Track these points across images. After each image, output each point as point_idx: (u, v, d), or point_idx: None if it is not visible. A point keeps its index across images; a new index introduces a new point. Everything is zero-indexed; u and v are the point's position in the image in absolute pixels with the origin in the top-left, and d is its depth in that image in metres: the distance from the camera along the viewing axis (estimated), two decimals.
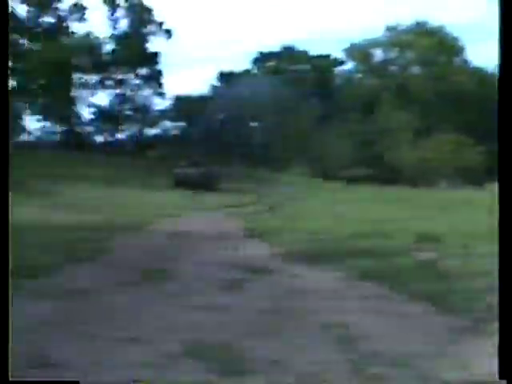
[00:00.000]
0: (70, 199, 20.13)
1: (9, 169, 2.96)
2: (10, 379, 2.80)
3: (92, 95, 68.98)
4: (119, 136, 70.01)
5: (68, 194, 22.07)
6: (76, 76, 68.05)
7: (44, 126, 69.56)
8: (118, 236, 12.30)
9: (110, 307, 6.52)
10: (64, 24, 68.84)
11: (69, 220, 14.62)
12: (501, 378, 3.00)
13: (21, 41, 67.58)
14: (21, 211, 15.83)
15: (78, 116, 69.41)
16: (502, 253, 3.07)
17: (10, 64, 66.57)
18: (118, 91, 68.88)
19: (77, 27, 74.69)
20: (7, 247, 2.95)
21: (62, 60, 61.12)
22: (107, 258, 9.68)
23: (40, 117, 69.01)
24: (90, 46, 66.02)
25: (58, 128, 69.93)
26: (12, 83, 68.57)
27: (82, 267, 8.82)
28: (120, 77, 68.68)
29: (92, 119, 69.39)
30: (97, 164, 42.47)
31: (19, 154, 33.04)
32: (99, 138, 70.62)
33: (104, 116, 68.67)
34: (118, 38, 67.92)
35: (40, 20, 68.44)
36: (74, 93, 68.44)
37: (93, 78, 68.35)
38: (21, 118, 69.92)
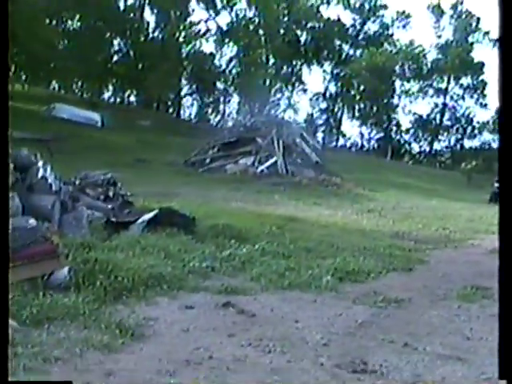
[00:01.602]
0: (383, 206, 20.42)
1: (9, 168, 2.76)
2: (9, 379, 2.93)
3: (412, 103, 69.54)
4: (436, 146, 69.20)
5: (381, 201, 22.42)
6: (397, 83, 69.06)
7: (361, 132, 72.15)
8: (433, 247, 12.12)
9: (427, 321, 6.48)
10: (388, 31, 70.25)
11: (383, 227, 14.82)
12: (501, 378, 3.00)
13: (344, 47, 70.97)
14: (338, 214, 16.59)
15: (397, 124, 70.49)
16: (502, 253, 3.10)
17: (333, 69, 70.75)
18: (438, 100, 68.39)
19: (400, 35, 75.88)
20: (7, 247, 2.99)
21: (385, 67, 62.41)
22: (423, 270, 9.59)
23: (358, 122, 71.78)
24: (412, 54, 66.27)
25: (375, 134, 71.85)
26: (333, 88, 72.72)
27: (398, 276, 8.89)
28: (441, 86, 67.95)
29: (410, 128, 69.89)
30: (412, 173, 42.51)
31: (334, 159, 34.85)
32: (415, 147, 70.65)
33: (422, 125, 68.60)
34: (442, 47, 67.02)
35: (365, 27, 70.86)
36: (394, 100, 69.48)
37: (414, 86, 68.79)
38: (340, 123, 73.33)
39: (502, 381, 3.11)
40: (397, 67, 66.32)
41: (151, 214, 9.70)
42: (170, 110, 71.65)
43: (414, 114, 69.44)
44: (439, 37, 68.19)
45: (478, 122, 67.33)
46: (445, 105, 68.35)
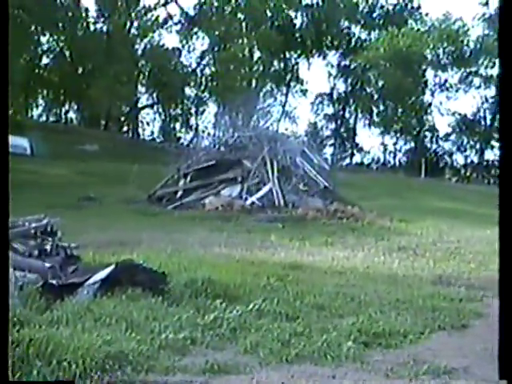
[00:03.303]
0: (419, 241, 20.45)
1: (9, 170, 3.93)
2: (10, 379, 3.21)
3: (450, 99, 69.25)
4: (488, 155, 68.94)
5: (416, 234, 22.46)
6: (429, 74, 69.10)
7: (383, 144, 72.18)
8: (493, 295, 12.13)
9: None
10: (412, 4, 70.53)
11: (421, 270, 14.85)
12: (501, 378, 3.86)
13: (354, 29, 71.31)
14: (358, 256, 16.61)
15: (431, 128, 70.19)
16: (502, 253, 3.96)
17: (341, 60, 70.75)
18: (487, 92, 68.11)
19: (430, 6, 74.80)
20: (7, 247, 3.73)
21: (411, 53, 62.50)
22: (481, 327, 9.62)
23: (378, 130, 71.78)
24: (449, 31, 66.24)
25: (403, 145, 71.86)
26: (341, 86, 73.02)
27: (446, 337, 8.94)
28: (491, 72, 67.51)
29: (450, 133, 69.56)
30: (457, 193, 42.64)
31: (348, 182, 34.85)
32: (459, 159, 70.64)
33: (467, 128, 68.47)
34: (490, 17, 66.49)
35: (380, 0, 71.14)
36: (425, 97, 69.40)
37: (453, 76, 68.68)
38: (354, 133, 73.39)
39: (502, 381, 3.86)
40: (427, 52, 66.34)
41: (106, 272, 9.70)
42: (125, 129, 71.78)
43: (455, 113, 69.65)
44: (485, 3, 67.43)
45: None
46: (495, 97, 68.17)
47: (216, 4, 63.69)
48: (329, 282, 12.04)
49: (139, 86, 67.27)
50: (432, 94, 69.86)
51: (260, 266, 13.35)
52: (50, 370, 6.23)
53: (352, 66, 69.69)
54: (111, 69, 54.37)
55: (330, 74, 73.45)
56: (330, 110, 74.33)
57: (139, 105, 69.58)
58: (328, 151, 69.41)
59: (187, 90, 67.40)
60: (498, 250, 4.01)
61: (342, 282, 12.28)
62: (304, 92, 73.64)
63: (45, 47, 61.54)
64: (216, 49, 64.92)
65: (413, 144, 71.10)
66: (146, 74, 64.93)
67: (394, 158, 73.04)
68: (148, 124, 73.87)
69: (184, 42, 66.60)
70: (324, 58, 72.55)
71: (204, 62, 66.81)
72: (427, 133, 71.01)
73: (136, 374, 6.62)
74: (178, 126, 74.06)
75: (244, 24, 63.82)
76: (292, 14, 69.36)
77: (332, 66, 72.93)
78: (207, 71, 66.67)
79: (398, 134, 71.19)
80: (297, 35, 68.78)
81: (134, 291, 9.33)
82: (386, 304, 10.28)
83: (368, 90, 70.86)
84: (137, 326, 7.94)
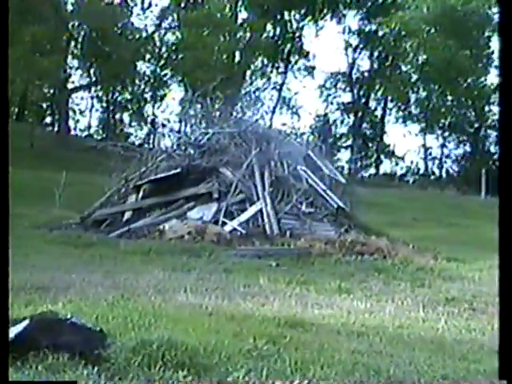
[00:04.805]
0: (476, 290, 20.59)
1: (8, 169, 5.59)
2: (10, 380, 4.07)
3: None
4: None
5: (472, 280, 22.62)
6: (494, 44, 69.37)
7: (424, 146, 72.18)
8: None
9: None
10: None
11: (479, 332, 14.83)
12: (501, 378, 5.14)
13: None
14: (386, 310, 16.60)
15: (496, 124, 70.12)
16: (502, 254, 4.91)
17: (365, 25, 70.86)
18: None
19: None
20: (7, 247, 5.54)
21: (467, 13, 62.29)
22: None
23: (417, 127, 71.93)
24: None
25: (454, 148, 71.89)
26: (365, 63, 73.05)
27: None
28: None
29: None
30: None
31: (372, 202, 34.83)
32: None
33: None
34: None
35: None
36: (488, 77, 69.65)
37: None
38: (382, 130, 73.42)
39: (502, 381, 5.07)
40: (493, 10, 66.05)
41: (15, 330, 9.64)
42: (48, 120, 71.58)
43: None
44: None
45: None
46: None
47: None
48: (343, 347, 11.95)
49: (70, 58, 66.98)
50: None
51: (243, 321, 13.25)
52: None
53: (380, 33, 69.49)
54: (28, 32, 54.08)
55: (348, 45, 73.54)
56: (347, 97, 74.43)
57: (69, 85, 69.29)
58: (344, 156, 69.46)
59: (140, 65, 67.24)
60: (498, 251, 5.15)
61: (361, 346, 12.18)
62: (310, 70, 73.57)
63: None
64: (182, 5, 64.75)
65: (468, 147, 70.98)
66: (80, 40, 64.51)
67: (441, 167, 72.99)
68: (82, 113, 73.70)
69: None
70: (340, 21, 72.62)
71: (165, 25, 66.60)
72: (490, 131, 70.78)
73: None
74: (126, 116, 73.91)
75: None
76: None
77: (351, 32, 72.97)
78: (170, 38, 66.43)
79: (447, 133, 71.09)
80: None
81: (56, 359, 9.23)
82: (428, 382, 10.22)
83: (403, 68, 70.78)
84: None
